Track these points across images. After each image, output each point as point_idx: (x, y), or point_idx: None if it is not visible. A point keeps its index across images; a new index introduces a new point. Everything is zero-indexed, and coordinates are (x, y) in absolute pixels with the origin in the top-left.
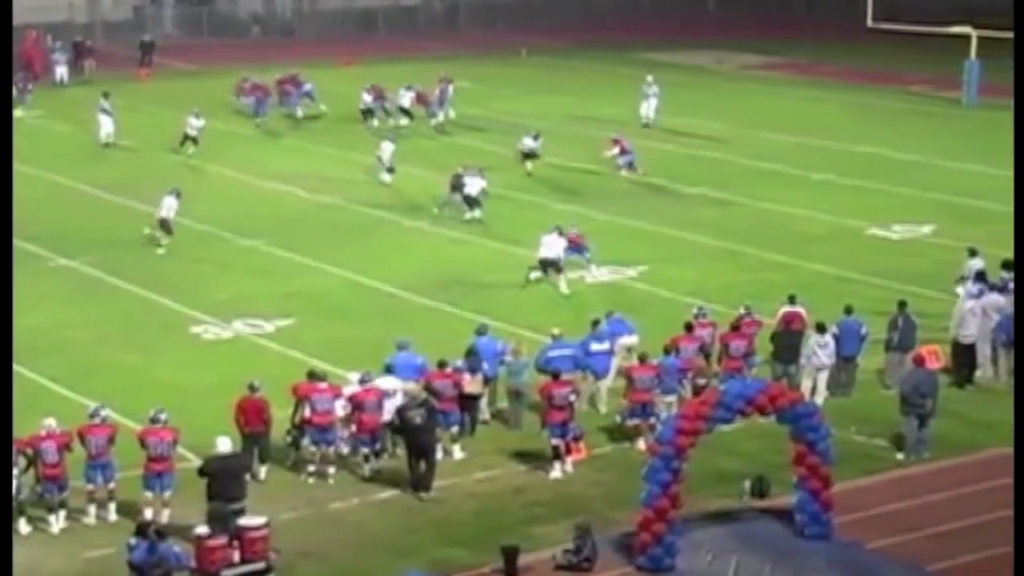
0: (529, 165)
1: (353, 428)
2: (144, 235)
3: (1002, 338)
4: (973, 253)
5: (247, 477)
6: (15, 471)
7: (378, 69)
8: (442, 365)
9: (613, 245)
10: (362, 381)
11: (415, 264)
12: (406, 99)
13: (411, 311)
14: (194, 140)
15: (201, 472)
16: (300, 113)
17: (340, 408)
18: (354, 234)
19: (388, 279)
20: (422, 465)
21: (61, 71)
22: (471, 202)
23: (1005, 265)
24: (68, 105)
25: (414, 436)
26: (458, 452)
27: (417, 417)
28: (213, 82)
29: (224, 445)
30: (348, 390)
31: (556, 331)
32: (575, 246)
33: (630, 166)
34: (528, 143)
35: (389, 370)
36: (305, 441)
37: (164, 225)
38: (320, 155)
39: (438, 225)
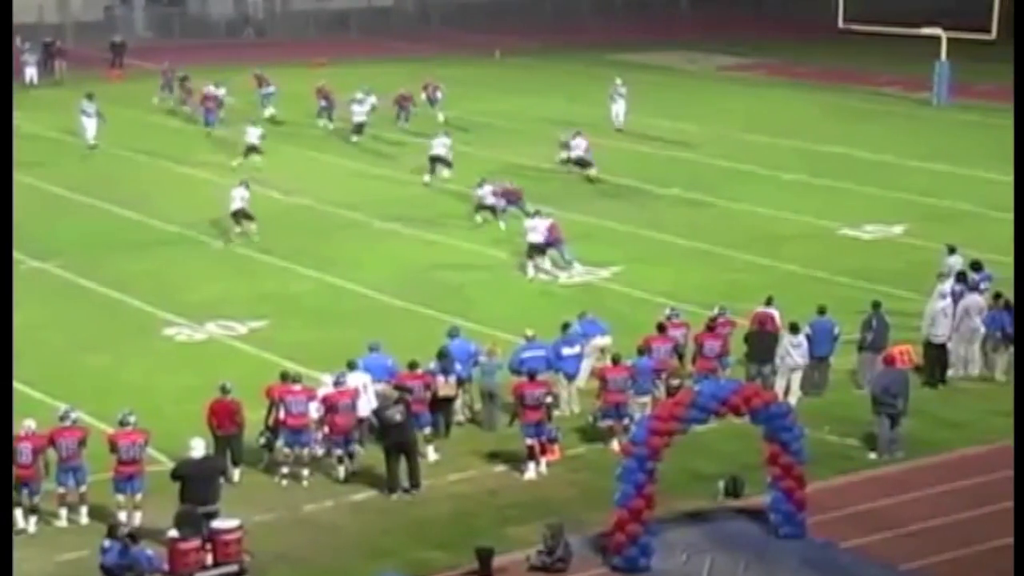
0: (592, 171)
1: (326, 430)
2: (234, 234)
3: (997, 335)
4: (952, 251)
5: (221, 480)
6: None
7: (351, 70)
8: (413, 366)
9: (587, 246)
10: (336, 383)
11: (388, 266)
12: (361, 111)
13: (384, 313)
14: (257, 150)
15: (174, 476)
16: (268, 113)
17: (314, 410)
18: (327, 236)
19: (361, 280)
20: (402, 464)
21: (30, 72)
22: (582, 164)
23: (974, 266)
24: (38, 106)
25: (394, 434)
26: (432, 454)
27: (397, 415)
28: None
29: (198, 448)
30: (322, 391)
31: (530, 332)
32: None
33: (580, 164)
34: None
35: (352, 367)
36: (279, 443)
37: (238, 216)
38: (293, 157)
39: (411, 227)
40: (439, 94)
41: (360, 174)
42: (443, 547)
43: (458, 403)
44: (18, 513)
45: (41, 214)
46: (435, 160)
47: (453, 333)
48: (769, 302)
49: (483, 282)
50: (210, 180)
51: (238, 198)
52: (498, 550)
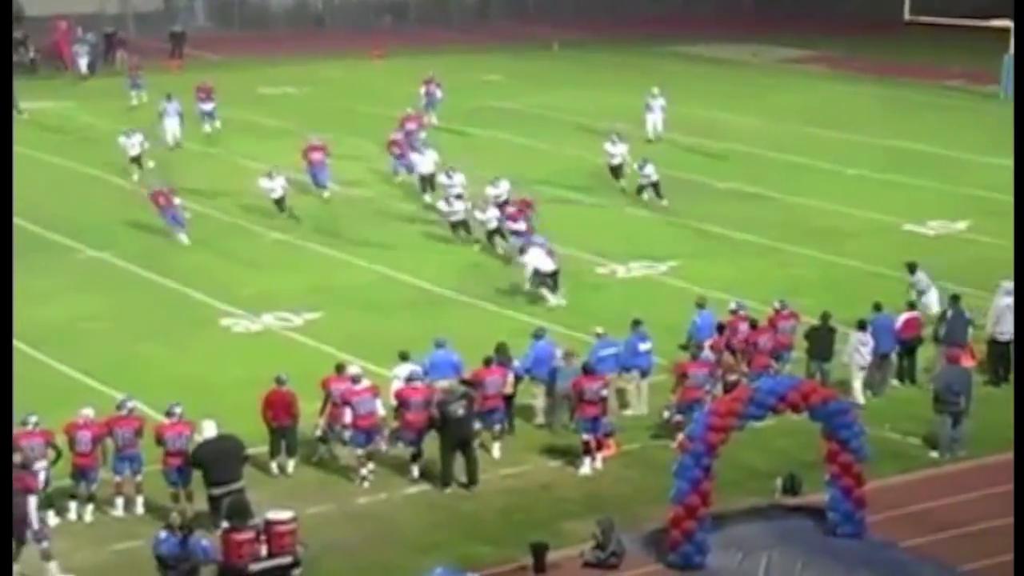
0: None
1: (395, 425)
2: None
3: None
4: (912, 269)
5: (241, 456)
6: (43, 463)
7: (408, 61)
8: (488, 363)
9: (645, 240)
10: (409, 379)
11: (445, 257)
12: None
13: (441, 305)
14: (279, 204)
15: (192, 462)
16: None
17: (381, 407)
18: (384, 226)
19: (418, 272)
20: (458, 459)
21: (83, 63)
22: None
23: None
24: (96, 95)
25: (455, 429)
26: (496, 451)
27: (459, 409)
28: (242, 74)
29: (210, 429)
30: (393, 387)
31: (599, 330)
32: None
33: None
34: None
35: (404, 358)
36: (344, 447)
37: (281, 204)
38: (356, 150)
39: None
40: (439, 93)
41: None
42: (496, 542)
43: (539, 405)
44: (73, 505)
45: (100, 203)
46: (426, 180)
47: (539, 334)
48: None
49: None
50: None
51: (278, 187)
52: (552, 545)
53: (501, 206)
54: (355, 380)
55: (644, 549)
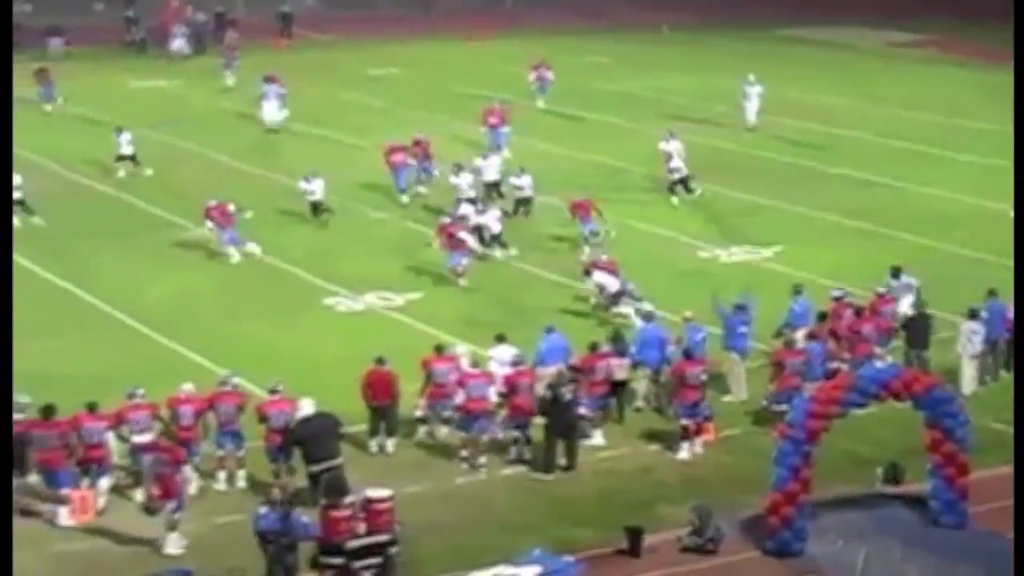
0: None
1: (506, 412)
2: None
3: None
4: (896, 273)
5: (338, 433)
6: (149, 436)
7: (514, 43)
8: (594, 348)
9: (749, 225)
10: (514, 363)
11: (547, 240)
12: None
13: (542, 288)
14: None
15: (291, 441)
16: None
17: (493, 393)
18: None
19: (521, 258)
20: (558, 443)
21: (178, 43)
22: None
23: None
24: (205, 75)
25: (562, 413)
26: (598, 437)
27: (568, 393)
28: (348, 55)
29: (307, 407)
30: (501, 372)
31: (688, 313)
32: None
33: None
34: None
35: (501, 339)
36: (444, 428)
37: (317, 209)
38: (460, 132)
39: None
40: (550, 76)
41: (527, 149)
42: (592, 524)
43: (641, 390)
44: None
45: (205, 181)
46: (491, 187)
47: (648, 317)
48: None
49: (640, 260)
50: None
51: (317, 190)
52: (648, 529)
53: (522, 201)
54: (452, 354)
55: (741, 535)
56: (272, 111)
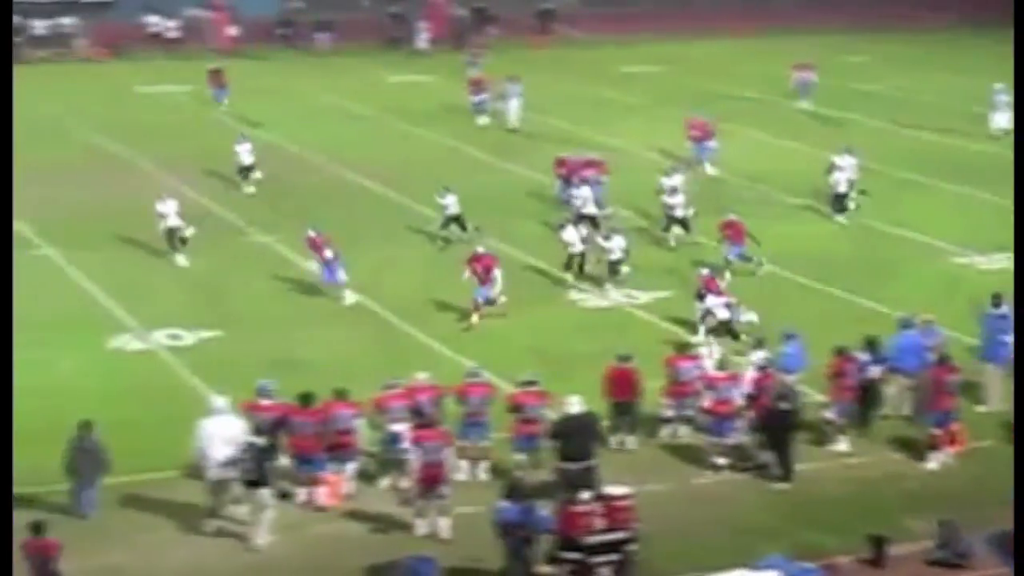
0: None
1: (752, 415)
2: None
3: None
4: (907, 325)
5: (597, 434)
6: (405, 425)
7: (771, 41)
8: (841, 352)
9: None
10: (761, 367)
11: (790, 242)
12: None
13: (784, 289)
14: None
15: (552, 434)
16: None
17: (739, 396)
18: (728, 210)
19: (772, 259)
20: (787, 451)
21: (422, 39)
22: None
23: None
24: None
25: (780, 420)
26: (844, 443)
27: (790, 402)
28: (601, 52)
29: (575, 404)
30: (749, 374)
31: (929, 317)
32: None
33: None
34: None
35: (759, 345)
36: (685, 427)
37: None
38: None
39: (822, 202)
40: (813, 78)
41: (768, 146)
42: (833, 531)
43: (889, 397)
44: None
45: (456, 174)
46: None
47: (907, 324)
48: None
49: (895, 261)
50: (623, 149)
51: (451, 204)
52: (893, 540)
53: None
54: (721, 367)
55: (990, 551)
56: (515, 109)
